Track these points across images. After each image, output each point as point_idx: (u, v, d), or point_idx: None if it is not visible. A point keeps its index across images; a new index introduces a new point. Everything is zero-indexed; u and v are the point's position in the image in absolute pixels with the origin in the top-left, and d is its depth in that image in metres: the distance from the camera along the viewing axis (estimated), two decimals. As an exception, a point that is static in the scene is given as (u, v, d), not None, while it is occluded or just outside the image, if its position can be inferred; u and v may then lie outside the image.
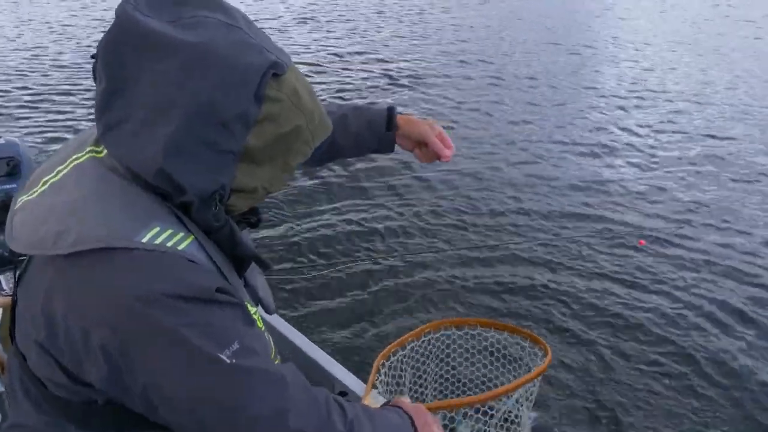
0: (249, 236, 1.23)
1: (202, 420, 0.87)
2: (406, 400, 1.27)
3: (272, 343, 1.09)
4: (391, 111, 1.42)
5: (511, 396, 1.64)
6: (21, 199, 0.92)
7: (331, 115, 1.37)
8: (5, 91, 8.07)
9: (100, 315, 0.82)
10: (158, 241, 0.83)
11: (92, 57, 0.87)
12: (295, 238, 4.77)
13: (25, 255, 0.92)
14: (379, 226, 5.06)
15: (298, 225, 4.98)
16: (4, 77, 8.61)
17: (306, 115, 0.91)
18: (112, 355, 0.83)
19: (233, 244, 0.93)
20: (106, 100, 0.84)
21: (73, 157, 0.92)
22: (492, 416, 1.58)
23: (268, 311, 1.25)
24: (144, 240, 0.82)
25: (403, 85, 9.25)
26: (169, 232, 0.85)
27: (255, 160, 0.89)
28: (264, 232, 4.79)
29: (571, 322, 3.93)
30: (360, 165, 6.00)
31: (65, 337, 0.85)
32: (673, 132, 7.86)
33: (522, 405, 1.65)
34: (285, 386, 0.91)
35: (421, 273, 4.38)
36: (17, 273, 0.99)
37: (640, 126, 8.01)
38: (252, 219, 1.06)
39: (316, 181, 5.78)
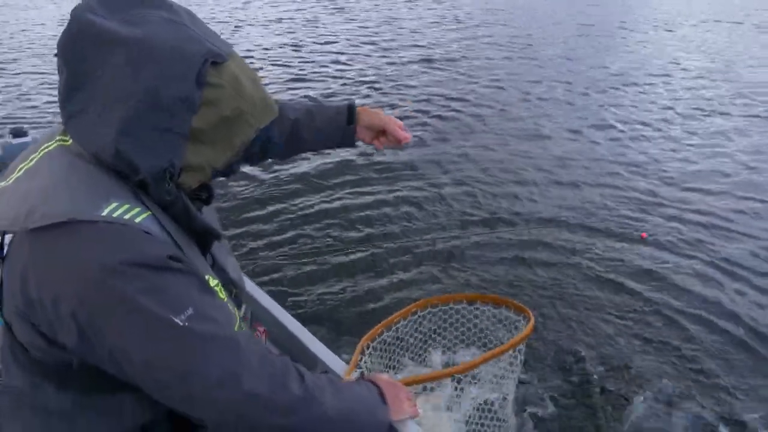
0: (215, 216, 1.33)
1: (160, 382, 0.97)
2: (382, 376, 1.30)
3: (248, 313, 1.15)
4: (351, 106, 1.52)
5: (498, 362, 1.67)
6: None
7: (296, 112, 1.51)
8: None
9: (66, 286, 0.91)
10: (116, 214, 0.93)
11: (55, 55, 0.97)
12: (286, 223, 4.84)
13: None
14: (369, 212, 5.09)
15: (289, 210, 5.06)
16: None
17: (247, 99, 1.00)
18: (80, 323, 0.92)
19: (188, 217, 1.03)
20: (67, 93, 0.95)
21: (44, 145, 1.03)
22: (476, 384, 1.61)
23: (239, 290, 1.32)
24: (103, 213, 0.92)
25: (438, 68, 9.42)
26: (126, 206, 0.94)
27: (201, 140, 0.98)
28: (255, 219, 4.88)
29: (560, 300, 3.95)
30: (345, 154, 6.06)
31: (39, 306, 0.94)
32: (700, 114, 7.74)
33: (507, 375, 1.68)
34: (238, 351, 1.00)
35: (413, 256, 4.41)
36: (3, 253, 1.08)
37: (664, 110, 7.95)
38: (203, 195, 1.15)
39: (313, 167, 5.84)
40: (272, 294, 1.86)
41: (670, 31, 13.65)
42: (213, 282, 1.09)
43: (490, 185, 5.69)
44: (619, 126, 7.38)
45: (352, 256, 4.37)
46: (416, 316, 1.84)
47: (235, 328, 1.09)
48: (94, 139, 0.94)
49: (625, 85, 9.17)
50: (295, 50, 10.53)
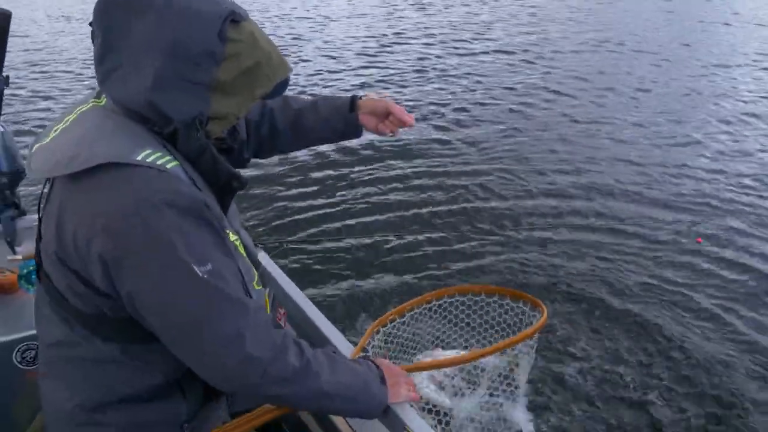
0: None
1: (171, 326, 1.05)
2: (385, 360, 1.31)
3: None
4: (354, 97, 1.59)
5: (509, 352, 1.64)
6: (36, 146, 1.11)
7: (300, 103, 1.58)
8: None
9: (101, 222, 0.98)
10: (150, 159, 1.00)
11: (90, 24, 1.05)
12: (308, 209, 4.91)
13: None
14: (390, 199, 5.12)
15: (310, 196, 5.12)
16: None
17: (264, 53, 1.09)
18: (105, 259, 1.00)
19: (215, 165, 1.11)
20: (102, 55, 1.04)
21: (79, 107, 1.13)
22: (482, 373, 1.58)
23: (252, 258, 1.34)
24: (139, 158, 1.00)
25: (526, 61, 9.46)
26: (158, 154, 1.02)
27: (225, 90, 1.06)
28: (276, 203, 4.95)
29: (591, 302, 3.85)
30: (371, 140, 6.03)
31: (74, 247, 1.02)
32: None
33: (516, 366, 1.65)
34: (247, 313, 1.07)
35: (435, 247, 4.40)
36: (40, 207, 1.17)
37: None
38: (224, 146, 1.28)
39: (334, 156, 5.88)
40: (293, 276, 1.88)
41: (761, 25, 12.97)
42: (233, 237, 1.16)
43: (534, 178, 5.62)
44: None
45: (374, 244, 4.38)
46: (432, 305, 1.83)
47: (254, 284, 1.21)
48: (129, 93, 1.02)
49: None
50: (378, 47, 10.39)
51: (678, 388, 3.18)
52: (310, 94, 1.68)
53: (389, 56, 9.90)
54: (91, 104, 1.11)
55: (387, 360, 1.34)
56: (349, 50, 10.23)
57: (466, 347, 1.92)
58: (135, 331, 1.09)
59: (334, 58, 9.73)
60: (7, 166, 2.05)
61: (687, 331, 3.61)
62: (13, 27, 2.04)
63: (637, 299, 3.90)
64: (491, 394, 1.71)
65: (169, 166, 1.02)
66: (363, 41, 10.88)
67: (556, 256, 4.36)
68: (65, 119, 1.11)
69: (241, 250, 1.18)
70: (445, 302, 1.84)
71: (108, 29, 1.02)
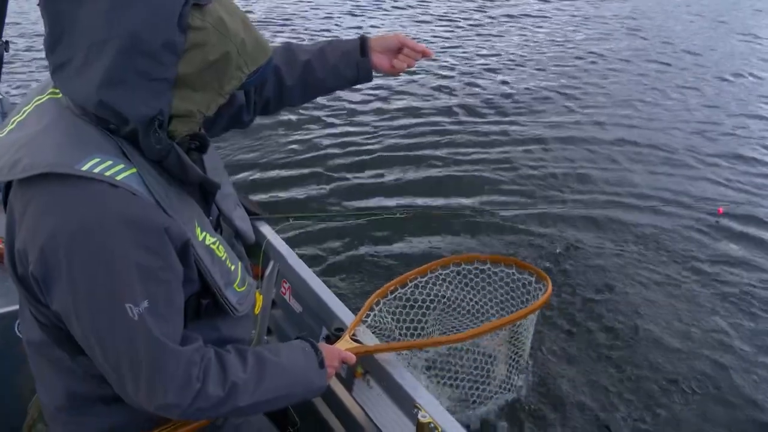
0: (219, 163, 1.29)
1: (95, 356, 0.99)
2: (325, 345, 1.34)
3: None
4: (363, 38, 1.45)
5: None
6: None
7: (307, 53, 1.44)
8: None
9: (33, 236, 0.92)
10: (97, 169, 0.91)
11: (38, 5, 0.94)
12: (315, 180, 4.85)
13: None
14: (401, 175, 5.01)
15: (318, 166, 5.04)
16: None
17: (235, 42, 0.96)
18: (35, 277, 0.94)
19: (182, 168, 1.01)
20: (51, 44, 0.93)
21: (36, 98, 1.03)
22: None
23: (246, 240, 1.32)
24: (84, 168, 0.90)
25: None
26: (108, 162, 0.92)
27: (188, 86, 0.95)
28: (282, 173, 4.89)
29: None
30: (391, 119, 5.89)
31: (17, 257, 0.97)
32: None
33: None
34: (168, 361, 0.99)
35: (450, 228, 4.29)
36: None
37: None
38: (194, 144, 1.10)
39: (351, 130, 5.76)
40: (299, 249, 1.89)
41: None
42: (210, 239, 1.08)
43: (553, 160, 5.47)
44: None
45: (384, 220, 4.18)
46: (436, 274, 1.81)
47: (235, 286, 1.14)
48: (79, 90, 0.92)
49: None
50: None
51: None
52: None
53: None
54: (47, 96, 1.01)
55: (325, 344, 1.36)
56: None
57: (474, 316, 1.92)
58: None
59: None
60: None
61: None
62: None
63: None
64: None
65: (120, 177, 0.92)
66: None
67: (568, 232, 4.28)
68: (22, 110, 1.02)
69: (219, 252, 1.10)
70: (451, 271, 1.83)
71: (54, 15, 0.91)
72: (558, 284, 3.54)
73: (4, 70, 2.10)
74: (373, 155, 5.34)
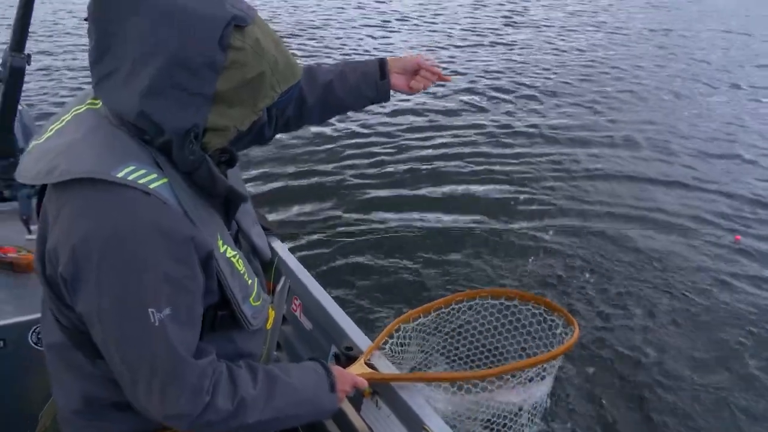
0: (240, 180, 1.34)
1: (110, 359, 1.02)
2: (337, 368, 1.33)
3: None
4: (383, 61, 1.54)
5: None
6: (32, 144, 1.07)
7: (328, 74, 1.52)
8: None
9: (72, 239, 0.95)
10: (132, 177, 0.95)
11: (84, 19, 0.99)
12: (329, 197, 4.84)
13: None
14: (419, 193, 4.99)
15: (332, 184, 5.05)
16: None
17: (269, 62, 1.01)
18: (66, 280, 0.97)
19: (212, 180, 1.04)
20: (97, 56, 0.97)
21: (75, 107, 1.08)
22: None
23: (263, 257, 1.34)
24: (119, 175, 0.94)
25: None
26: (143, 171, 0.96)
27: (225, 102, 1.00)
28: (295, 190, 4.87)
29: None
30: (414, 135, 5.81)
31: (48, 260, 1.00)
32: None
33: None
34: (183, 371, 1.02)
35: (469, 247, 4.26)
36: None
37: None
38: (224, 158, 1.15)
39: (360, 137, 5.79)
40: (311, 267, 1.87)
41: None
42: (231, 252, 1.11)
43: (580, 180, 5.44)
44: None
45: (399, 239, 4.27)
46: (461, 305, 1.76)
47: (251, 300, 1.16)
48: (121, 100, 0.96)
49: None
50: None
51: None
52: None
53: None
54: (86, 106, 1.06)
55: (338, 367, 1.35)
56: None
57: (493, 355, 1.86)
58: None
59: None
60: (24, 143, 2.03)
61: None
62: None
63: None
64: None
65: (153, 185, 0.96)
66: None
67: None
68: (61, 118, 1.07)
69: (239, 266, 1.13)
70: (476, 303, 1.78)
71: (103, 29, 0.96)
72: (583, 317, 3.49)
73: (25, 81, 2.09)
74: (389, 171, 5.34)
